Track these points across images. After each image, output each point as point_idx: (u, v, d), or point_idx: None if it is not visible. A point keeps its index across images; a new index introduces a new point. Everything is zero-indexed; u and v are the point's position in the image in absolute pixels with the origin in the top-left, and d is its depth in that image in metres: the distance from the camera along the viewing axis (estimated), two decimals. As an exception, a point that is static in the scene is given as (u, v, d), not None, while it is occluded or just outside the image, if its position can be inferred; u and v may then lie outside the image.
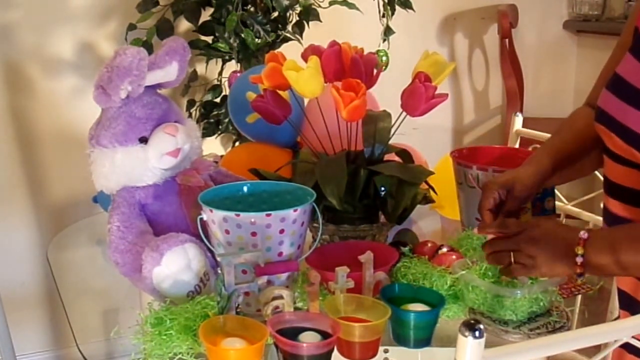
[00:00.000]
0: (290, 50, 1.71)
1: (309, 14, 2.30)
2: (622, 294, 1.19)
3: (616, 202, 1.13)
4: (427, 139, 2.24)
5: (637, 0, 1.22)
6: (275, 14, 2.25)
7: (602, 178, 1.19)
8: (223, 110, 2.31)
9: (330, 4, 2.30)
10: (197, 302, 1.12)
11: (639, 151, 1.07)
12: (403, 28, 2.57)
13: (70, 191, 2.47)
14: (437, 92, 1.35)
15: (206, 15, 2.30)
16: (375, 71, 1.42)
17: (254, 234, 1.12)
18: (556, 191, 1.46)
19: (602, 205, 1.19)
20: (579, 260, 0.99)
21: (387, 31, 2.41)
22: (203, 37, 2.31)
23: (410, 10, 2.41)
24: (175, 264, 1.17)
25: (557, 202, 1.46)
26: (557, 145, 1.25)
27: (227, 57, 2.26)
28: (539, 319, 1.15)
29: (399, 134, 1.44)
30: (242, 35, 2.14)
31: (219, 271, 1.09)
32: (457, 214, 1.51)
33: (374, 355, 1.02)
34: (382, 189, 1.39)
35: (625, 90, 1.11)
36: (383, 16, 2.40)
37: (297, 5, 2.27)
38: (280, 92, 1.41)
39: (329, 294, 1.16)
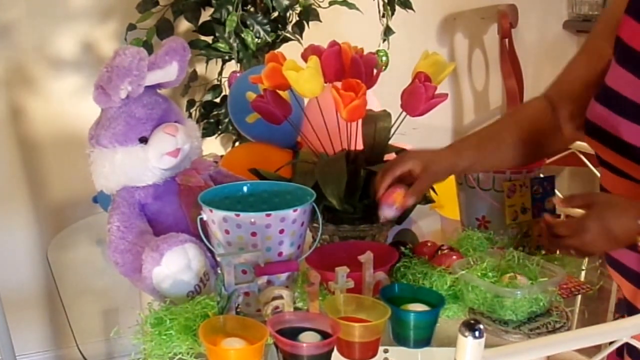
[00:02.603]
0: (290, 50, 1.71)
1: (309, 14, 2.30)
2: (619, 301, 1.19)
3: None
4: (427, 139, 2.24)
5: (609, 7, 1.20)
6: (275, 14, 2.25)
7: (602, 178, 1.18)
8: (223, 110, 2.31)
9: (330, 4, 2.30)
10: (197, 302, 1.12)
11: (638, 164, 1.05)
12: (403, 28, 2.57)
13: (70, 191, 2.47)
14: (437, 92, 1.35)
15: (206, 15, 2.30)
16: (375, 71, 1.42)
17: (254, 234, 1.12)
18: (556, 191, 1.46)
19: None
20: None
21: (387, 31, 2.41)
22: (203, 37, 2.31)
23: (410, 10, 2.41)
24: (175, 264, 1.17)
25: (557, 202, 1.46)
26: (487, 142, 1.26)
27: (227, 57, 2.26)
28: (539, 319, 1.15)
29: (399, 134, 1.44)
30: (242, 35, 2.14)
31: (219, 271, 1.09)
32: (457, 214, 1.51)
33: (374, 355, 1.02)
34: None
35: (618, 103, 1.08)
36: (383, 16, 2.40)
37: (297, 5, 2.27)
38: (280, 92, 1.41)
39: (329, 294, 1.16)
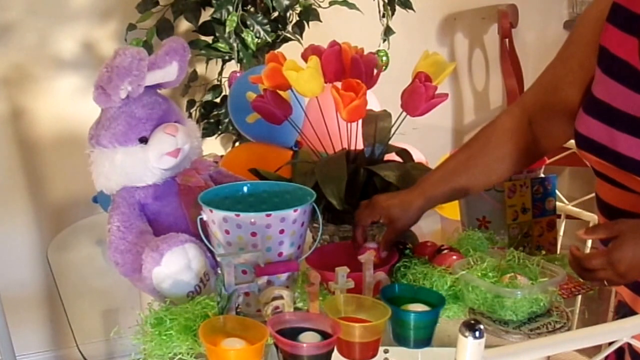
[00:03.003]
0: (290, 50, 1.71)
1: (309, 14, 2.30)
2: (619, 303, 1.18)
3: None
4: (427, 139, 2.24)
5: (585, 14, 1.16)
6: (275, 14, 2.25)
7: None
8: (223, 110, 2.31)
9: (330, 4, 2.30)
10: (197, 302, 1.12)
11: (637, 175, 1.02)
12: (403, 28, 2.57)
13: (70, 191, 2.47)
14: (437, 92, 1.35)
15: (206, 15, 2.30)
16: (375, 71, 1.42)
17: (254, 234, 1.12)
18: (557, 191, 1.46)
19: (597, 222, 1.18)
20: None
21: (387, 31, 2.41)
22: (203, 37, 2.31)
23: (410, 10, 2.41)
24: (175, 264, 1.17)
25: (557, 202, 1.46)
26: (459, 172, 1.24)
27: (227, 57, 2.26)
28: (539, 319, 1.14)
29: (399, 134, 1.44)
30: (242, 35, 2.14)
31: (219, 271, 1.09)
32: (457, 214, 1.51)
33: (374, 355, 1.02)
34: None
35: (612, 116, 1.05)
36: (383, 16, 2.40)
37: (297, 5, 2.27)
38: (281, 92, 1.40)
39: (329, 294, 1.16)
